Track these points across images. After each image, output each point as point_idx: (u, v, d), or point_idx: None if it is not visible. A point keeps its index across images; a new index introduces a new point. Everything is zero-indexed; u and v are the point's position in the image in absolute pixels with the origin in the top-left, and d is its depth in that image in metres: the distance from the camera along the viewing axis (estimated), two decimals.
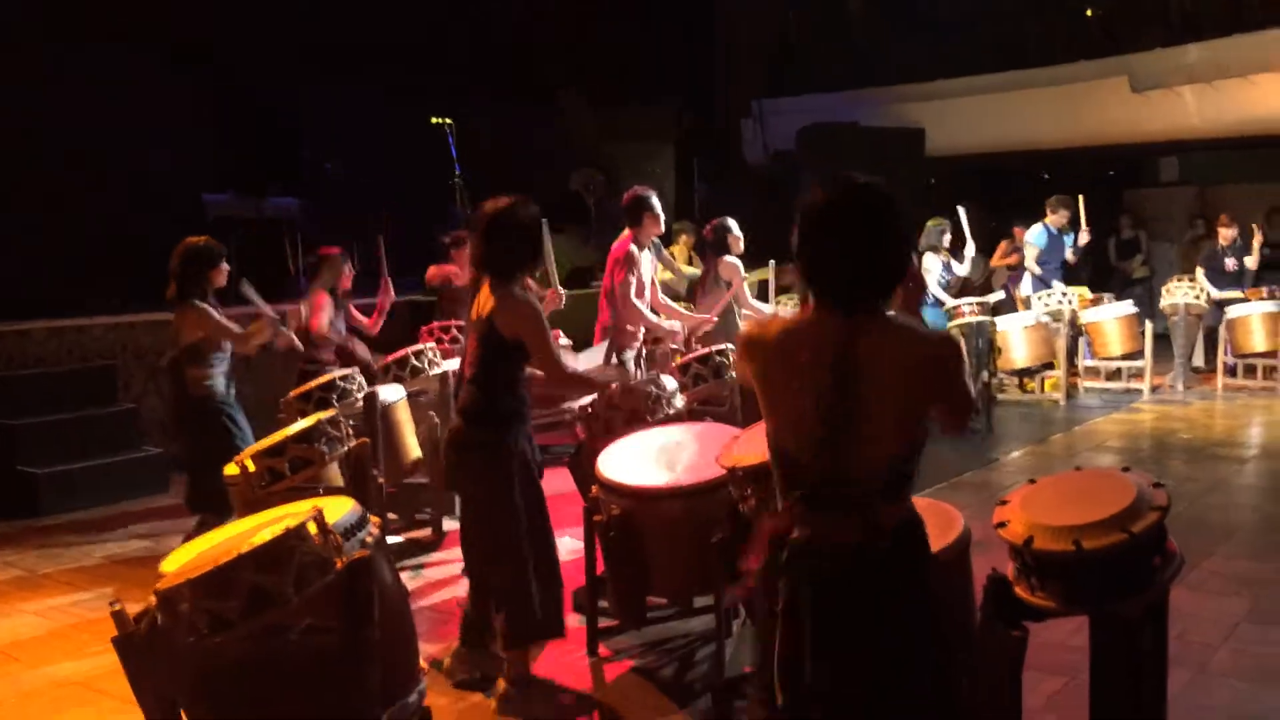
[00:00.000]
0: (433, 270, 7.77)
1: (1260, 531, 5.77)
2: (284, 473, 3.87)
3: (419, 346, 6.30)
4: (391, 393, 5.42)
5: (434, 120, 9.95)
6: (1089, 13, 14.68)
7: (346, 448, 4.10)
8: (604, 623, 4.24)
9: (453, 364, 6.19)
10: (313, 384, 5.25)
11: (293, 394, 5.25)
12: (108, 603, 2.82)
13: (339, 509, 2.71)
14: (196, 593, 2.23)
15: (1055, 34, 14.54)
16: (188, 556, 2.63)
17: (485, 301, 3.68)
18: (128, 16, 9.69)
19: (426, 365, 6.15)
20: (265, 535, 2.31)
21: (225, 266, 5.16)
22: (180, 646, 2.29)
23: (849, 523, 2.24)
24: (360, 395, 5.02)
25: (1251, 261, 10.44)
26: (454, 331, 7.24)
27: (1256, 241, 10.38)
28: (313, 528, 2.38)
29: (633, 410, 4.59)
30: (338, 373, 5.32)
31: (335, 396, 5.10)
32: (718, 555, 3.62)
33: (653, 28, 14.93)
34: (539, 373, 3.74)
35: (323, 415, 4.12)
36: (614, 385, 4.51)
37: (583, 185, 14.33)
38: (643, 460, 4.02)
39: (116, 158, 9.97)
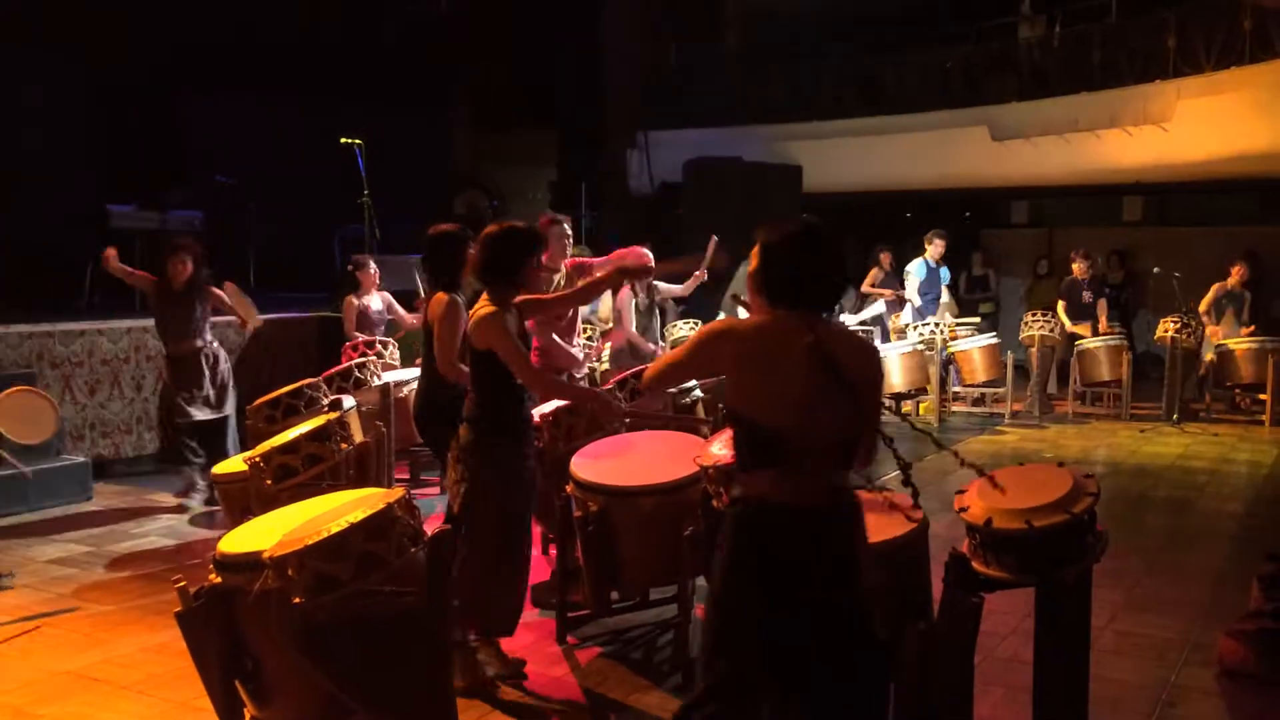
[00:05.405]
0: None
1: (1119, 536, 6.51)
2: (297, 469, 4.11)
3: (360, 359, 6.55)
4: (348, 402, 5.66)
5: (344, 140, 10.09)
6: (948, 65, 15.80)
7: (353, 447, 4.38)
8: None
9: (393, 375, 6.48)
10: (281, 391, 5.45)
11: (260, 400, 5.45)
12: (171, 580, 3.09)
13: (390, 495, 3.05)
14: (311, 557, 2.54)
15: (921, 82, 15.58)
16: (260, 534, 2.92)
17: (474, 311, 4.06)
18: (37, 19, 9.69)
19: (369, 377, 6.41)
20: (364, 510, 2.64)
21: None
22: (284, 606, 2.59)
23: (814, 486, 2.69)
24: (328, 402, 5.26)
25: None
26: (378, 346, 7.50)
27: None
28: (397, 508, 2.73)
29: (592, 419, 5.00)
30: (306, 381, 5.54)
31: (303, 404, 5.32)
32: (689, 546, 4.08)
33: (539, 56, 15.37)
34: None
35: (332, 415, 4.37)
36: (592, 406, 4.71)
37: (467, 208, 14.64)
38: (616, 462, 4.44)
39: (20, 168, 9.90)
